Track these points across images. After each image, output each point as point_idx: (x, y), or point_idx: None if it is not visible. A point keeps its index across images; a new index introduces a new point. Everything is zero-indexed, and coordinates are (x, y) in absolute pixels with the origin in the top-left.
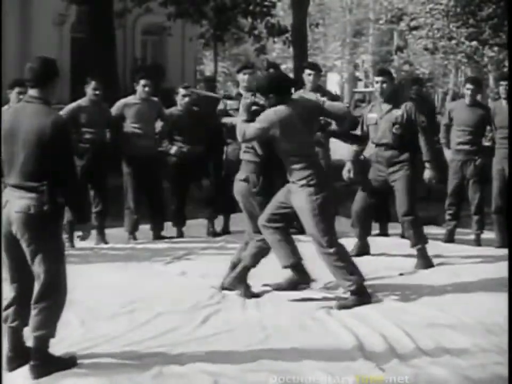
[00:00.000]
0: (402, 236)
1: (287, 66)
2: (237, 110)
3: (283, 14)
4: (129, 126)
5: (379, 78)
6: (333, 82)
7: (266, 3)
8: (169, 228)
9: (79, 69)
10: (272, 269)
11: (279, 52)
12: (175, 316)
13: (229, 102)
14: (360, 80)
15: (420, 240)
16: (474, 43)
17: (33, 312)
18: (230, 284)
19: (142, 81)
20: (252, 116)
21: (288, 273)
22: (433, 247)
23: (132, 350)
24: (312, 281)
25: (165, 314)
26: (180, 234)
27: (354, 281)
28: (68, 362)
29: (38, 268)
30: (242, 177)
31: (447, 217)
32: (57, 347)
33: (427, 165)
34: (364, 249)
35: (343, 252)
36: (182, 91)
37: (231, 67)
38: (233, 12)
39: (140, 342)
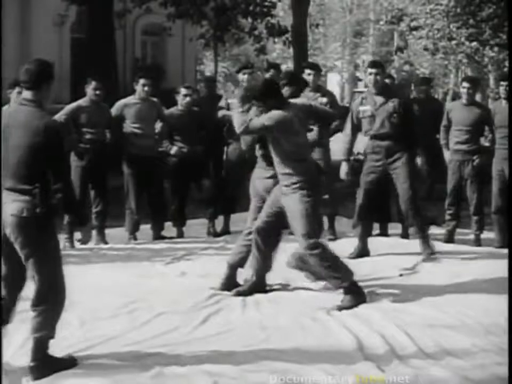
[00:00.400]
0: (403, 236)
1: (287, 67)
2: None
3: (283, 15)
4: (129, 126)
5: (372, 70)
6: (333, 83)
7: (266, 3)
8: (169, 228)
9: (79, 69)
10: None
11: (279, 52)
12: (175, 316)
13: (230, 101)
14: (360, 80)
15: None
16: (474, 43)
17: (32, 314)
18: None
19: (142, 81)
20: (247, 106)
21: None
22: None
23: (132, 350)
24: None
25: (165, 314)
26: (180, 235)
27: (344, 279)
28: (67, 363)
29: (32, 271)
30: (267, 174)
31: (447, 217)
32: (57, 347)
33: (418, 151)
34: (364, 251)
35: (328, 252)
36: (183, 91)
37: (231, 67)
38: (233, 12)
39: (140, 342)
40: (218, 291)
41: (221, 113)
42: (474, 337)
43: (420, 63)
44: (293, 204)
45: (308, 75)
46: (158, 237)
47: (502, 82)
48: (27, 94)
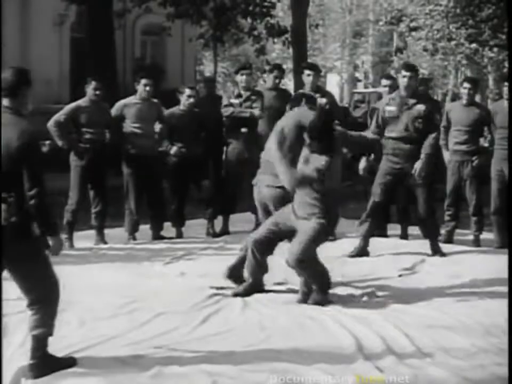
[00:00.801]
0: (402, 237)
1: (287, 67)
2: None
3: (282, 15)
4: (129, 126)
5: (406, 73)
6: (332, 83)
7: (265, 4)
8: (168, 228)
9: (78, 69)
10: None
11: (279, 52)
12: (174, 316)
13: (232, 100)
14: (359, 81)
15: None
16: (474, 45)
17: (29, 312)
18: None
19: (143, 81)
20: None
21: None
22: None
23: (132, 350)
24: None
25: (164, 314)
26: (179, 235)
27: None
28: (66, 363)
29: (21, 276)
30: (277, 183)
31: (446, 217)
32: (56, 347)
33: (423, 156)
34: (364, 251)
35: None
36: (188, 91)
37: (231, 68)
38: (233, 13)
39: (140, 342)
40: (218, 289)
41: (228, 110)
42: (474, 337)
43: (419, 64)
44: (306, 227)
45: (307, 76)
46: (157, 237)
47: (506, 83)
48: (5, 101)
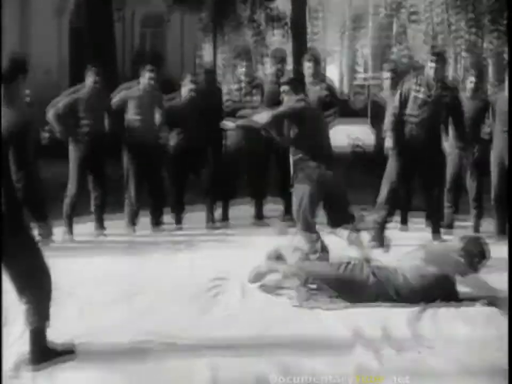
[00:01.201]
0: (402, 223)
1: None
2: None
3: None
4: (130, 115)
5: (433, 62)
6: (331, 74)
7: None
8: (168, 217)
9: (78, 59)
10: None
11: (278, 44)
12: (174, 305)
13: (232, 86)
14: (358, 72)
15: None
16: (473, 36)
17: (23, 306)
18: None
19: (148, 74)
20: None
21: None
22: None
23: (131, 339)
24: None
25: (164, 303)
26: (179, 223)
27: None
28: (66, 353)
29: (12, 266)
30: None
31: (446, 204)
32: (55, 336)
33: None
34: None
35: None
36: (189, 85)
37: (230, 53)
38: (232, 0)
39: (139, 331)
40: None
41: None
42: (473, 324)
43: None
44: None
45: (307, 68)
46: (157, 226)
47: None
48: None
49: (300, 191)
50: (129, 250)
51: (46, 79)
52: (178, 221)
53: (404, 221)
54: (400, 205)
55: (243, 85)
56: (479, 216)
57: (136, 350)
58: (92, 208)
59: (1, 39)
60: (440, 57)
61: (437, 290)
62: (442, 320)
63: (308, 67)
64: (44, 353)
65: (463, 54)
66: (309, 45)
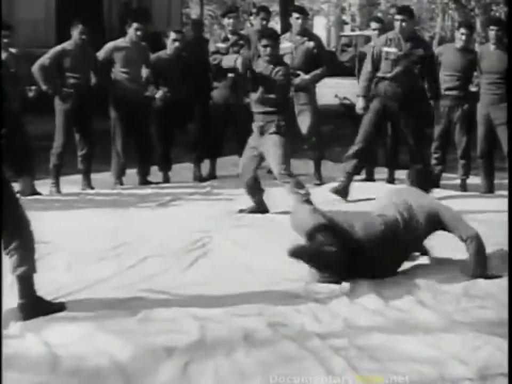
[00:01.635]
0: (389, 181)
1: (273, 10)
2: (227, 53)
3: None
4: (118, 70)
5: (399, 17)
6: (319, 26)
7: None
8: (155, 173)
9: (64, 12)
10: None
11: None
12: (162, 259)
13: (219, 45)
14: (346, 23)
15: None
16: None
17: (8, 256)
18: None
19: (135, 25)
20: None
21: None
22: None
23: (119, 294)
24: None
25: (151, 258)
26: (166, 179)
27: None
28: (56, 307)
29: None
30: None
31: (433, 161)
32: (45, 291)
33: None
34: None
35: None
36: (173, 35)
37: (217, 10)
38: None
39: (127, 286)
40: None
41: (216, 58)
42: (460, 280)
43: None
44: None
45: (296, 19)
46: (144, 182)
47: (492, 27)
48: None
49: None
50: (116, 204)
51: (32, 32)
52: (166, 179)
53: (391, 179)
54: (386, 163)
55: (230, 42)
56: (466, 173)
57: (125, 302)
58: (79, 162)
59: None
60: (406, 12)
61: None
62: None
63: (295, 22)
64: (34, 303)
65: (451, 4)
66: (296, 3)
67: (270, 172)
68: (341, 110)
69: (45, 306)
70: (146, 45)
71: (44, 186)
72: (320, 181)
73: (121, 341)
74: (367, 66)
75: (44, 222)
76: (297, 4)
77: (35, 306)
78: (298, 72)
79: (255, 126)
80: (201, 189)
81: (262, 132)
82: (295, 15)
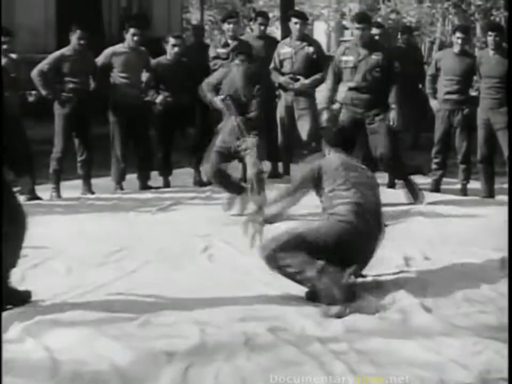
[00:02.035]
0: (389, 186)
1: (274, 15)
2: (227, 58)
3: None
4: (117, 75)
5: (359, 25)
6: (319, 31)
7: None
8: (155, 178)
9: (64, 17)
10: None
11: (266, 0)
12: (162, 264)
13: (219, 50)
14: (347, 29)
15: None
16: None
17: None
18: None
19: (132, 30)
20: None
21: None
22: None
23: (119, 299)
24: None
25: (152, 262)
26: (167, 184)
27: None
28: (23, 295)
29: None
30: None
31: (433, 166)
32: (44, 295)
33: (394, 106)
34: None
35: None
36: (172, 40)
37: (217, 15)
38: None
39: (127, 290)
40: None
41: (216, 63)
42: (462, 284)
43: (406, 12)
44: None
45: (294, 24)
46: (144, 186)
47: (490, 32)
48: None
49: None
50: (116, 209)
51: (32, 38)
52: (167, 184)
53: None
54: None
55: (230, 47)
56: (466, 178)
57: (125, 307)
58: (78, 168)
59: None
60: (364, 21)
61: None
62: (429, 275)
63: (294, 27)
64: (6, 293)
65: (451, 9)
66: (296, 0)
67: (270, 177)
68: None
69: (14, 296)
70: (145, 50)
71: (44, 191)
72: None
73: (121, 346)
74: (329, 76)
75: (45, 227)
76: (297, 9)
77: (6, 297)
78: (298, 77)
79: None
80: (201, 193)
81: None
82: (294, 20)
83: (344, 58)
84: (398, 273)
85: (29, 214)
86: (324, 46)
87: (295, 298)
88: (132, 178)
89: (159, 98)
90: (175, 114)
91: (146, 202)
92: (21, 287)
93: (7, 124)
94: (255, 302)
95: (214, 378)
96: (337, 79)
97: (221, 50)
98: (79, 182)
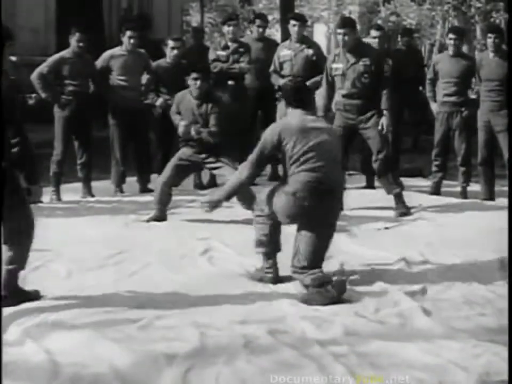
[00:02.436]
0: (368, 188)
1: (274, 18)
2: (227, 61)
3: None
4: (115, 77)
5: (341, 30)
6: (319, 33)
7: None
8: (155, 181)
9: (64, 20)
10: None
11: (266, 3)
12: (162, 266)
13: (219, 52)
14: None
15: (396, 185)
16: None
17: (5, 248)
18: None
19: (128, 33)
20: None
21: None
22: (419, 199)
23: (119, 301)
24: None
25: (152, 265)
26: None
27: None
28: (32, 295)
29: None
30: None
31: (434, 169)
32: (44, 298)
33: (385, 112)
34: None
35: None
36: (171, 43)
37: (218, 18)
38: None
39: (127, 293)
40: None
41: (216, 66)
42: (461, 286)
43: (406, 14)
44: None
45: (293, 26)
46: (144, 189)
47: (489, 34)
48: None
49: None
50: (116, 212)
51: (32, 40)
52: None
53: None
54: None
55: (230, 50)
56: (466, 181)
57: (126, 309)
58: (78, 170)
59: None
60: (346, 25)
61: None
62: (430, 275)
63: (293, 30)
64: (15, 293)
65: (451, 12)
66: (296, 3)
67: (270, 179)
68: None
69: (23, 296)
70: (144, 53)
71: (44, 194)
72: None
73: (122, 348)
74: (324, 85)
75: (45, 230)
76: (297, 12)
77: (15, 296)
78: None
79: None
80: (201, 196)
81: None
82: (293, 22)
83: (334, 65)
84: (397, 275)
85: None
86: (324, 48)
87: (295, 301)
88: (131, 181)
89: (158, 101)
90: None
91: (146, 205)
92: (22, 287)
93: (15, 128)
94: (255, 304)
95: (214, 380)
96: (332, 87)
97: (221, 53)
98: (79, 185)
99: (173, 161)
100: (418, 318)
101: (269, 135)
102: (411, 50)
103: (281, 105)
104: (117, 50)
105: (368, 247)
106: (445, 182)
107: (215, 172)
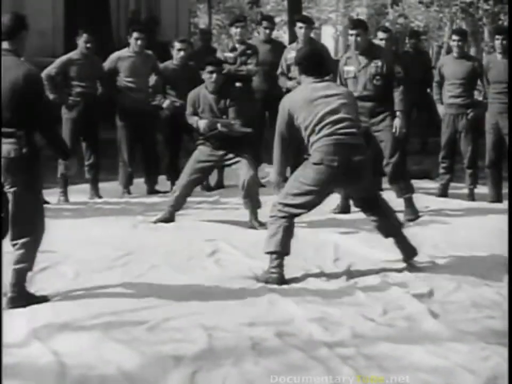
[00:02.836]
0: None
1: (282, 19)
2: (234, 63)
3: None
4: (123, 79)
5: (353, 31)
6: (327, 35)
7: None
8: (163, 182)
9: (73, 21)
10: None
11: (274, 4)
12: (169, 268)
13: (227, 54)
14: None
15: (407, 189)
16: None
17: (14, 247)
18: None
19: (135, 34)
20: None
21: None
22: (426, 202)
23: (127, 303)
24: None
25: (159, 267)
26: None
27: None
28: (40, 299)
29: (15, 207)
30: None
31: (441, 171)
32: (52, 299)
33: (398, 114)
34: (346, 208)
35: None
36: (177, 45)
37: (225, 20)
38: None
39: (135, 294)
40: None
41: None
42: (469, 290)
43: (414, 16)
44: None
45: (299, 28)
46: (151, 191)
47: (497, 36)
48: (5, 44)
49: None
50: (124, 213)
51: (40, 42)
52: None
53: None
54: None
55: (238, 52)
56: (473, 183)
57: (133, 311)
58: (86, 172)
59: None
60: (358, 27)
61: None
62: (436, 279)
63: (299, 32)
64: (22, 294)
65: (459, 13)
66: (304, 5)
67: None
68: None
69: (31, 298)
70: (152, 54)
71: (52, 195)
72: None
73: (129, 350)
74: None
75: (52, 231)
76: (304, 14)
77: (22, 298)
78: None
79: None
80: (209, 198)
81: None
82: (299, 24)
83: (346, 68)
84: (404, 277)
85: None
86: (332, 50)
87: (303, 303)
88: (139, 182)
89: (166, 103)
90: (182, 118)
91: (153, 206)
92: (30, 291)
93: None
94: (263, 306)
95: (221, 382)
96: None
97: (229, 55)
98: (86, 186)
99: (191, 164)
100: (426, 321)
101: (280, 115)
102: (419, 52)
103: None
104: (124, 52)
105: (376, 249)
106: (452, 184)
107: (233, 167)
